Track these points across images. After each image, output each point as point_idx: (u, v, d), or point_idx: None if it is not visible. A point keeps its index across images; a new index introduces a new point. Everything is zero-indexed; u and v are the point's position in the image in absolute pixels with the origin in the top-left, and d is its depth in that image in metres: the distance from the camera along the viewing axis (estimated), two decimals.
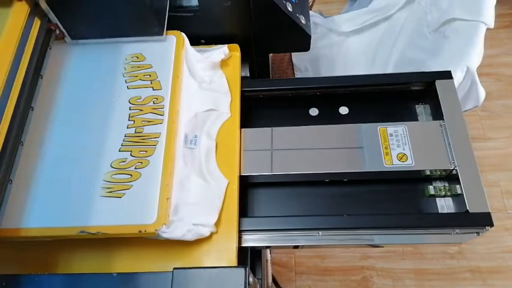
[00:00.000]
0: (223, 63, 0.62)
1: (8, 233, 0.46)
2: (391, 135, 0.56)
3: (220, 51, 0.60)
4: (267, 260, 0.75)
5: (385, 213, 0.54)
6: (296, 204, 0.57)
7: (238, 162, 0.55)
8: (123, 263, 0.49)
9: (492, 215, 0.49)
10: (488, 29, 0.78)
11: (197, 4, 0.59)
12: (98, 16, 0.56)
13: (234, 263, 0.48)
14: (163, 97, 0.53)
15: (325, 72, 1.04)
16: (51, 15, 0.54)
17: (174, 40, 0.57)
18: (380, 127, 0.57)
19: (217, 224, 0.49)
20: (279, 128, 0.59)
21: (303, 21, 0.61)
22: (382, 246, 0.59)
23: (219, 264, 0.48)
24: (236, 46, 0.63)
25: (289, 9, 0.59)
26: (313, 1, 1.19)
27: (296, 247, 0.55)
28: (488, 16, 0.77)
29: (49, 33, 0.57)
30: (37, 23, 0.53)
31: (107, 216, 0.46)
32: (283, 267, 1.21)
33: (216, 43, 0.62)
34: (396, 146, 0.55)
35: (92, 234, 0.45)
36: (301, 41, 0.64)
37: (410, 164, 0.54)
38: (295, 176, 0.56)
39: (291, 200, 0.57)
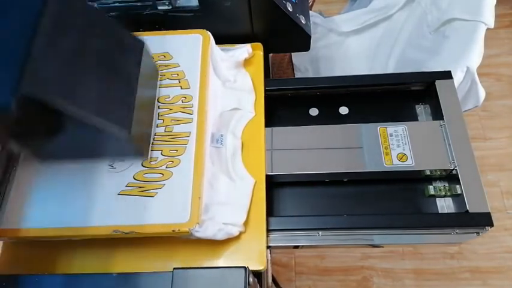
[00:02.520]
0: (247, 62, 0.62)
1: (42, 232, 0.46)
2: (391, 135, 0.56)
3: (244, 49, 0.60)
4: (267, 260, 0.75)
5: (385, 213, 0.54)
6: (296, 204, 0.57)
7: (265, 161, 0.55)
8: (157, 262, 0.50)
9: (492, 215, 0.49)
10: (488, 29, 0.78)
11: (197, 4, 0.59)
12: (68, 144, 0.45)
13: (264, 264, 0.48)
14: (192, 96, 0.53)
15: (325, 73, 1.04)
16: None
17: (201, 39, 0.57)
18: (380, 127, 0.57)
19: (245, 223, 0.50)
20: (279, 128, 0.59)
21: (303, 21, 0.61)
22: (382, 246, 0.59)
23: (248, 264, 0.47)
24: (259, 45, 0.63)
25: (289, 9, 0.59)
26: (313, 1, 1.19)
27: (296, 247, 0.55)
28: (488, 16, 0.77)
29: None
30: None
31: (140, 215, 0.46)
32: (283, 267, 1.21)
33: (216, 43, 0.62)
34: (396, 146, 0.55)
35: (126, 233, 0.45)
36: (301, 41, 0.64)
37: (410, 164, 0.54)
38: (295, 176, 0.56)
39: (291, 200, 0.57)
